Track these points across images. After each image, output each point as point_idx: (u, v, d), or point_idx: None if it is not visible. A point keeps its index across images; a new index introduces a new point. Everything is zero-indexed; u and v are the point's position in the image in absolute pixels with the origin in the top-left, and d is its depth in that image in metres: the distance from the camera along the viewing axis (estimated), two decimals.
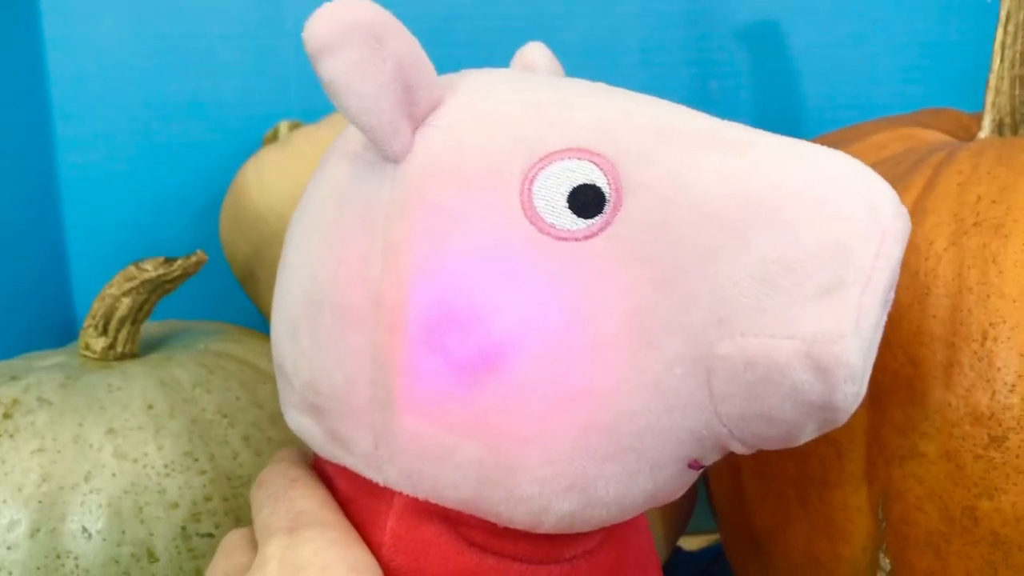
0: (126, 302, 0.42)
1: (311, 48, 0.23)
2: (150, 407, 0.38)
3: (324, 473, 0.30)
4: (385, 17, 0.24)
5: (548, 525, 0.26)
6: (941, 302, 0.32)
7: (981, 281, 0.32)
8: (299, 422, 0.29)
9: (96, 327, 0.42)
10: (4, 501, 0.35)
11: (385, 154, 0.26)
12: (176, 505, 0.36)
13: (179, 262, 0.42)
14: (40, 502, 0.35)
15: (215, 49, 0.54)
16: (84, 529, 0.35)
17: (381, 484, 0.27)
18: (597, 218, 0.24)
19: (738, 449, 0.26)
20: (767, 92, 0.61)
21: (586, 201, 0.24)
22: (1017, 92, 0.40)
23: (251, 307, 0.53)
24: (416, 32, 0.25)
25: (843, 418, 0.24)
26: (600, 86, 0.28)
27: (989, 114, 0.40)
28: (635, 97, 0.27)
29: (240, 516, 0.37)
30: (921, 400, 0.32)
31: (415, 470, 0.26)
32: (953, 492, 0.32)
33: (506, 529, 0.27)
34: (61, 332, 0.57)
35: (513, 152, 0.25)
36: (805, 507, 0.36)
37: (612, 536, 0.30)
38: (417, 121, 0.26)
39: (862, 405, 0.33)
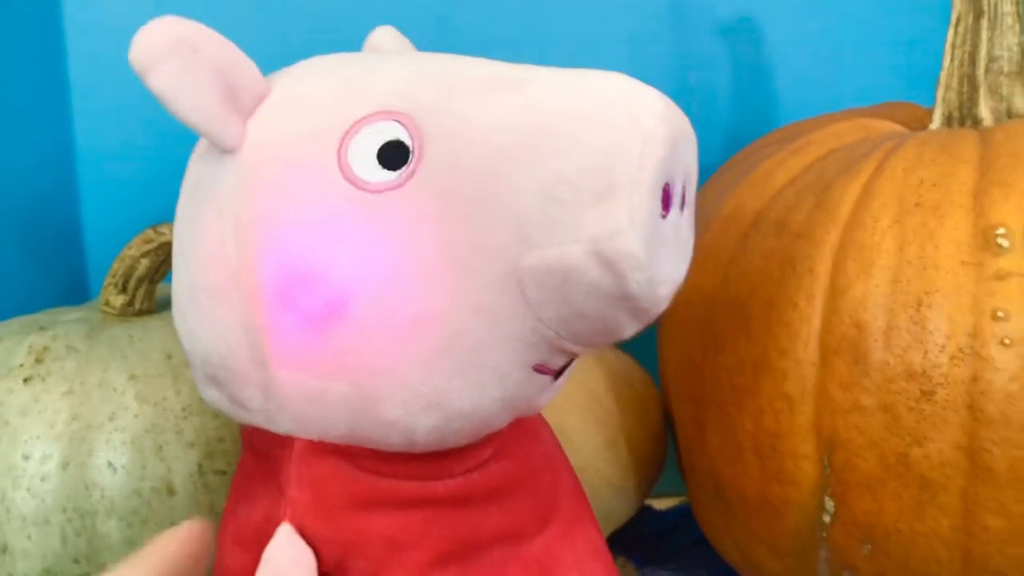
0: (144, 263, 0.46)
1: (136, 68, 0.27)
2: (169, 357, 0.42)
3: (246, 435, 0.34)
4: (197, 29, 0.28)
5: (421, 443, 0.29)
6: (884, 273, 0.36)
7: (919, 255, 0.36)
8: (208, 394, 0.32)
9: (116, 285, 0.46)
10: (38, 437, 0.39)
11: (222, 147, 0.29)
12: (193, 444, 0.40)
13: None
14: (70, 438, 0.39)
15: (230, 25, 0.58)
16: (110, 464, 0.39)
17: (281, 433, 0.31)
18: (404, 168, 0.27)
19: (573, 348, 0.29)
20: (744, 84, 0.65)
21: (394, 155, 0.28)
22: (965, 89, 0.44)
23: None
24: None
25: (650, 307, 0.27)
26: (414, 55, 0.32)
27: (939, 108, 0.44)
28: (438, 58, 0.30)
29: None
30: (863, 359, 0.36)
31: (300, 415, 0.30)
32: (889, 440, 0.36)
33: (393, 454, 0.30)
34: (75, 296, 0.60)
35: (328, 125, 0.29)
36: (760, 457, 0.40)
37: (505, 448, 0.33)
38: (246, 113, 0.29)
39: (813, 364, 0.37)
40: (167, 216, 0.61)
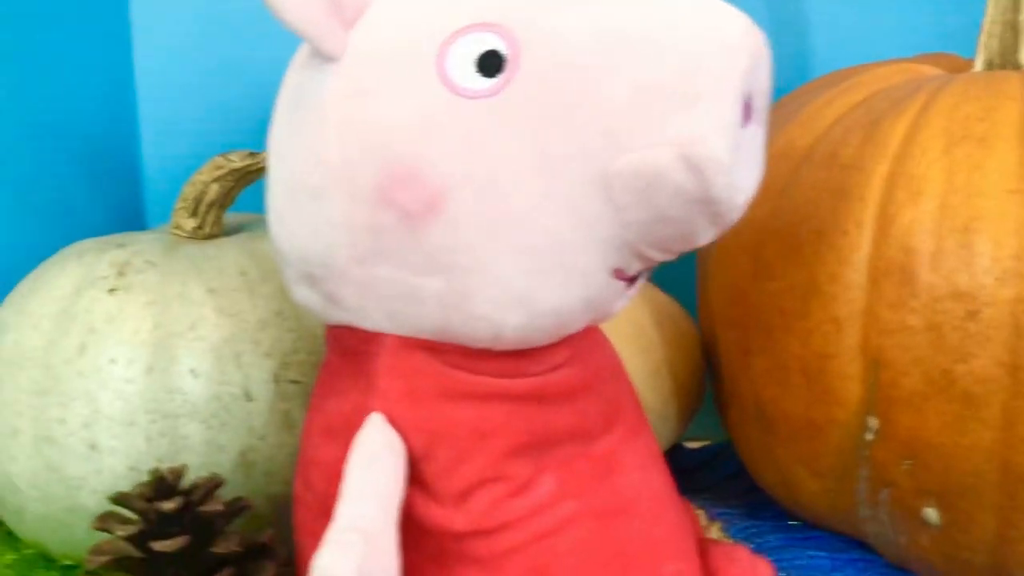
0: (215, 188, 0.48)
1: None
2: (243, 273, 0.44)
3: (330, 334, 0.35)
4: None
5: (507, 340, 0.31)
6: (932, 201, 0.38)
7: (966, 184, 0.38)
8: (301, 294, 0.34)
9: (187, 209, 0.48)
10: (123, 342, 0.41)
11: (324, 54, 0.31)
12: (269, 355, 0.42)
13: (262, 155, 0.48)
14: (154, 345, 0.41)
15: None
16: (191, 370, 0.41)
17: (372, 330, 0.33)
18: (500, 76, 0.29)
19: (651, 254, 0.31)
20: (781, 40, 0.67)
21: (490, 64, 0.29)
22: (1006, 36, 0.46)
23: None
24: None
25: (727, 212, 0.29)
26: None
27: (981, 54, 0.46)
28: None
29: None
30: (911, 281, 0.38)
31: (394, 312, 0.32)
32: (934, 358, 0.38)
33: (478, 350, 0.32)
34: (133, 226, 0.62)
35: (428, 34, 0.30)
36: (807, 378, 0.42)
37: (577, 354, 0.35)
38: (349, 24, 0.31)
39: (861, 287, 0.39)
40: (222, 148, 0.63)
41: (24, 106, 0.55)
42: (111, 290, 0.42)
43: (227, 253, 0.45)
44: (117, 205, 0.62)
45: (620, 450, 0.36)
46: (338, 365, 0.35)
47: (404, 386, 0.33)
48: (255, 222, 0.52)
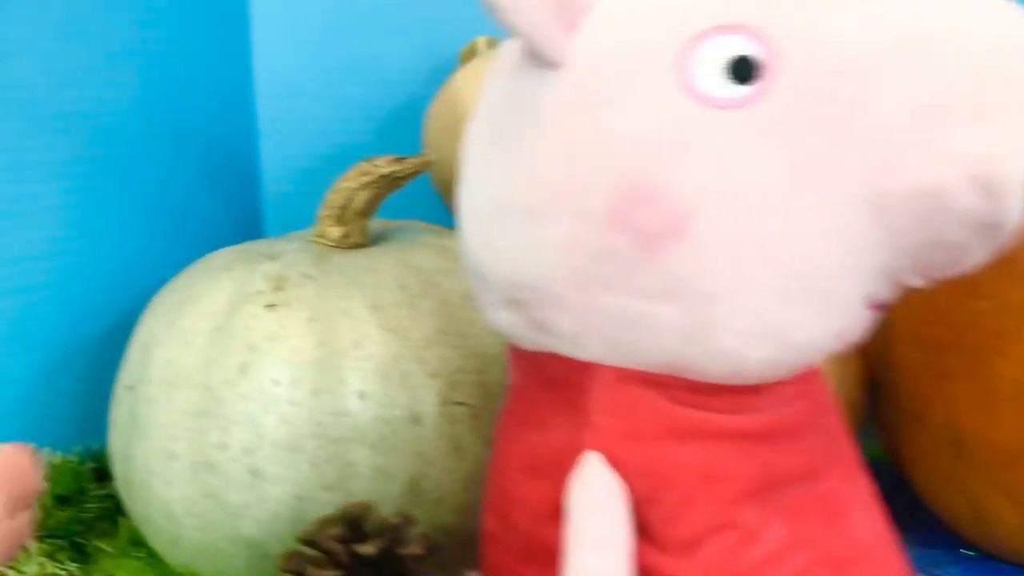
0: (362, 195, 0.45)
1: None
2: (403, 287, 0.41)
3: (525, 361, 0.33)
4: None
5: (748, 375, 0.28)
6: None
7: None
8: (502, 319, 0.31)
9: (333, 217, 0.45)
10: (288, 362, 0.38)
11: (546, 59, 0.28)
12: (436, 375, 0.39)
13: (410, 160, 0.45)
14: (319, 365, 0.38)
15: None
16: (358, 392, 0.38)
17: (585, 360, 0.30)
18: (755, 84, 0.26)
19: (912, 281, 0.28)
20: None
21: (742, 70, 0.26)
22: None
23: (433, 212, 0.56)
24: None
25: (1008, 236, 0.26)
26: None
27: None
28: None
29: (490, 391, 0.40)
30: None
31: (617, 341, 0.29)
32: None
33: (707, 384, 0.29)
34: (251, 232, 0.60)
35: (666, 37, 0.27)
36: (1021, 404, 0.38)
37: (804, 386, 0.32)
38: (572, 26, 0.28)
39: None
40: (344, 153, 0.60)
41: (144, 107, 0.53)
42: (269, 306, 0.40)
43: (384, 266, 0.42)
44: (236, 207, 0.60)
45: (842, 489, 0.33)
46: (538, 394, 0.33)
47: (623, 424, 0.30)
48: (395, 229, 0.49)
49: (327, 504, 0.38)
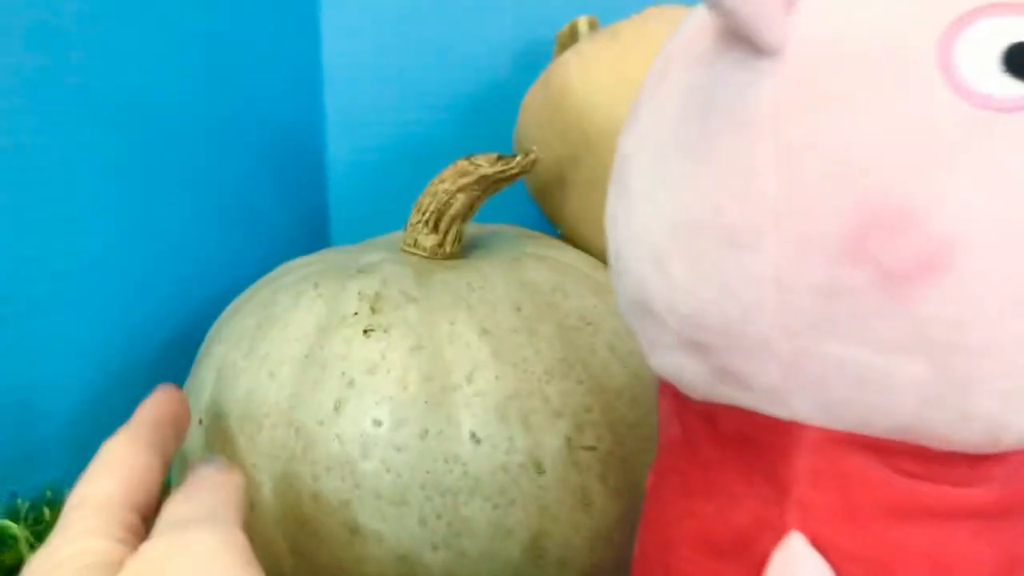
0: (461, 199, 0.39)
1: None
2: (518, 309, 0.35)
3: (690, 413, 0.27)
4: None
5: (1005, 443, 0.23)
6: None
7: None
8: (674, 364, 0.26)
9: (427, 223, 0.40)
10: (391, 398, 0.33)
11: (760, 45, 0.22)
12: (560, 414, 0.34)
13: (517, 159, 0.40)
14: (426, 402, 0.33)
15: None
16: (473, 434, 0.33)
17: (786, 419, 0.24)
18: None
19: None
20: None
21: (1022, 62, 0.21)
22: None
23: (516, 215, 0.50)
24: None
25: None
26: None
27: None
28: None
29: (618, 431, 0.35)
30: None
31: (837, 400, 0.23)
32: None
33: (943, 453, 0.24)
34: (317, 231, 0.55)
35: (918, 19, 0.22)
36: None
37: None
38: (791, 4, 0.23)
39: None
40: (421, 147, 0.54)
41: (206, 96, 0.47)
42: (367, 331, 0.34)
43: (493, 282, 0.36)
44: (301, 204, 0.54)
45: None
46: (709, 454, 0.27)
47: (836, 499, 0.24)
48: (489, 236, 0.44)
49: (435, 565, 0.32)
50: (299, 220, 0.54)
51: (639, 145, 0.26)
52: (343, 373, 0.33)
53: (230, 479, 0.28)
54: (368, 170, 0.55)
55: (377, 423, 0.33)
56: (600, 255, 0.43)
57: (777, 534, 0.25)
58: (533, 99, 0.46)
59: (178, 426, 0.31)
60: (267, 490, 0.33)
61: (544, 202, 0.47)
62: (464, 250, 0.41)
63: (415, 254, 0.40)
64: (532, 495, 0.33)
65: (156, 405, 0.31)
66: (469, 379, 0.33)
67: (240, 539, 0.25)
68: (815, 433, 0.24)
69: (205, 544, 0.25)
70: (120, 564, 0.24)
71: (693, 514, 0.27)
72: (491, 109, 0.52)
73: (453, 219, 0.40)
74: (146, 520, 0.28)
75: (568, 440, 0.33)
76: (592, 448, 0.34)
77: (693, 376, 0.26)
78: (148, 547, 0.25)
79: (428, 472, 0.32)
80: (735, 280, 0.23)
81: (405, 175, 0.55)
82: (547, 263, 0.39)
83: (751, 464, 0.26)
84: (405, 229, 0.41)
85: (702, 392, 0.26)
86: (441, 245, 0.40)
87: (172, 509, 0.27)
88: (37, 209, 0.41)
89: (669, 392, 0.29)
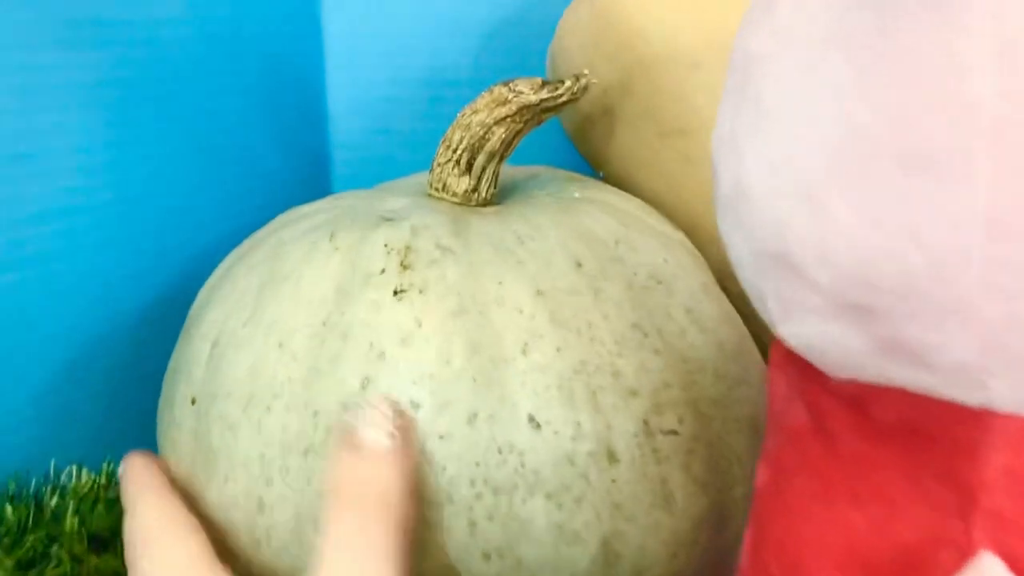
0: (498, 132, 0.33)
1: None
2: (579, 265, 0.29)
3: (829, 396, 0.22)
4: None
5: None
6: None
7: None
8: (820, 334, 0.20)
9: (458, 162, 0.33)
10: (431, 375, 0.27)
11: None
12: (635, 393, 0.28)
13: (566, 84, 0.33)
14: (474, 379, 0.27)
15: None
16: (531, 418, 0.27)
17: (976, 406, 0.19)
18: None
19: None
20: None
21: None
22: None
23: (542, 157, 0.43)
24: None
25: None
26: None
27: None
28: None
29: (701, 411, 0.29)
30: None
31: None
32: None
33: None
34: (317, 171, 0.48)
35: None
36: None
37: None
38: None
39: None
40: (430, 77, 0.48)
41: (194, 16, 0.40)
42: (398, 292, 0.28)
43: (546, 234, 0.30)
44: (299, 143, 0.47)
45: None
46: (857, 450, 0.21)
47: None
48: (527, 181, 0.37)
49: None
50: (296, 162, 0.47)
51: (779, 42, 0.20)
52: (371, 344, 0.27)
53: (400, 477, 0.25)
54: (374, 105, 0.48)
55: (415, 405, 0.26)
56: (652, 202, 0.37)
57: (960, 554, 0.19)
58: (575, 17, 0.39)
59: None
60: (279, 487, 0.27)
61: (584, 139, 0.41)
62: (498, 197, 0.35)
63: (444, 199, 0.33)
64: (603, 491, 0.27)
65: (143, 471, 0.30)
66: (524, 350, 0.27)
67: None
68: (1017, 425, 0.18)
69: None
70: None
71: (835, 525, 0.21)
72: (517, 32, 0.45)
73: (489, 157, 0.33)
74: None
75: (645, 424, 0.28)
76: (674, 432, 0.28)
77: (846, 350, 0.20)
78: None
79: (478, 465, 0.26)
80: (926, 221, 0.17)
81: (417, 111, 0.48)
82: (604, 210, 0.32)
83: (920, 463, 0.20)
84: (430, 170, 0.34)
85: (854, 370, 0.20)
86: (475, 189, 0.33)
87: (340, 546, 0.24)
88: (9, 164, 0.34)
89: (793, 369, 0.23)
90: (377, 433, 0.26)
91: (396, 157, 0.49)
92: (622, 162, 0.39)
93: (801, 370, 0.23)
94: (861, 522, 0.21)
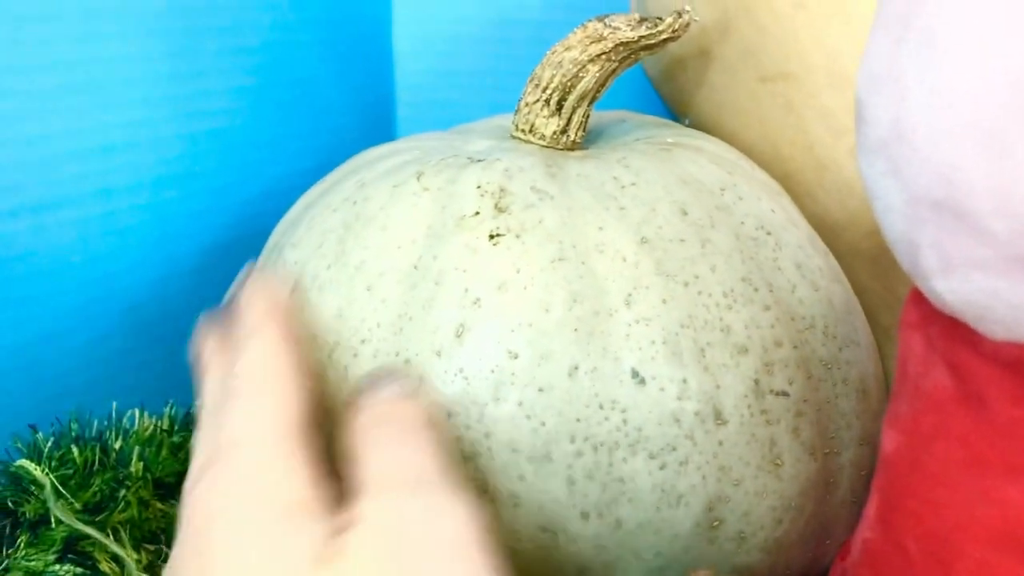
0: (592, 71, 0.31)
1: None
2: (684, 212, 0.27)
3: (979, 360, 0.20)
4: None
5: None
6: None
7: None
8: (984, 288, 0.18)
9: (547, 102, 0.31)
10: (530, 324, 0.25)
11: None
12: (745, 350, 0.26)
13: (667, 21, 0.31)
14: (576, 330, 0.25)
15: None
16: (635, 372, 0.25)
17: None
18: None
19: None
20: None
21: None
22: None
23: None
24: None
25: None
26: None
27: None
28: None
29: (812, 372, 0.27)
30: None
31: None
32: None
33: None
34: (383, 118, 0.46)
35: None
36: None
37: None
38: None
39: None
40: (499, 15, 0.46)
41: None
42: (493, 236, 0.26)
43: (649, 178, 0.28)
44: (363, 85, 0.45)
45: None
46: (1018, 417, 0.19)
47: None
48: (613, 126, 0.35)
49: (584, 537, 0.25)
50: (360, 103, 0.45)
51: None
52: (466, 290, 0.26)
53: (426, 413, 0.23)
54: (440, 44, 0.46)
55: (513, 355, 0.25)
56: (744, 152, 0.35)
57: None
58: None
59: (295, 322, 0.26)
60: None
61: (671, 83, 0.39)
62: (585, 142, 0.33)
63: (530, 142, 0.32)
64: (709, 452, 0.25)
65: (265, 299, 0.26)
66: (628, 302, 0.26)
67: (478, 511, 0.21)
68: None
69: (456, 519, 0.20)
70: (319, 510, 0.20)
71: (987, 498, 0.19)
72: None
73: (581, 97, 0.31)
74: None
75: (756, 383, 0.26)
76: (784, 394, 0.26)
77: (1015, 308, 0.18)
78: (389, 507, 0.20)
79: (578, 420, 0.25)
80: None
81: (485, 52, 0.46)
82: (705, 156, 0.31)
83: None
84: (516, 110, 0.32)
85: (1021, 331, 0.18)
86: (564, 131, 0.31)
87: (389, 456, 0.22)
88: (71, 95, 0.33)
89: (936, 329, 0.21)
90: (392, 387, 0.24)
91: (461, 101, 0.47)
92: (713, 108, 0.37)
93: (946, 330, 0.21)
94: (1018, 497, 0.19)
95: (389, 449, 0.22)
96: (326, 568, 0.19)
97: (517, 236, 0.26)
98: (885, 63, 0.19)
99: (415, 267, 0.26)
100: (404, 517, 0.20)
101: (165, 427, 0.35)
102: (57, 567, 0.29)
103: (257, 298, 0.26)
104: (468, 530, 0.20)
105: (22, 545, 0.29)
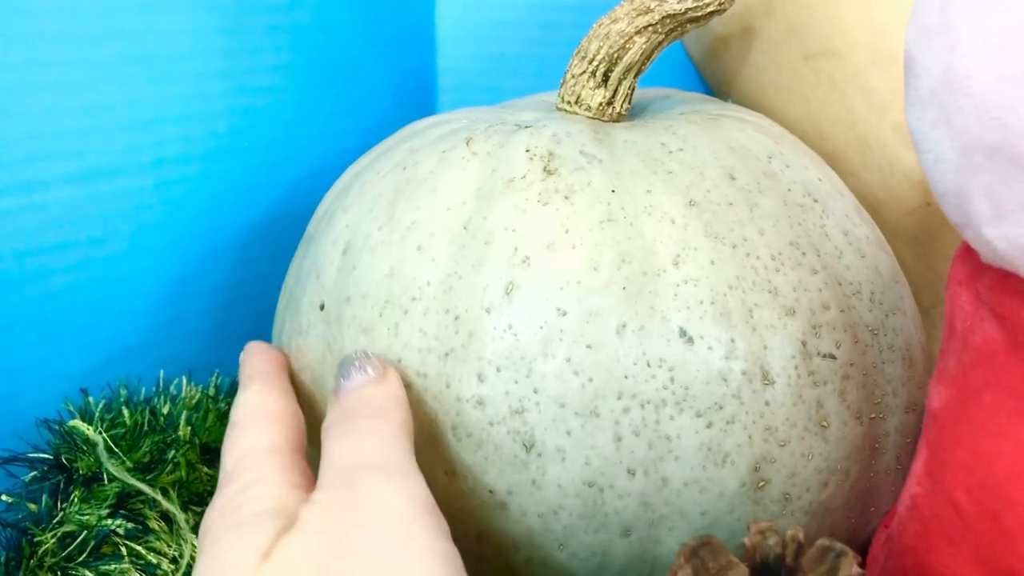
0: (639, 43, 0.31)
1: None
2: (732, 178, 0.28)
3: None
4: None
5: None
6: None
7: None
8: None
9: (593, 74, 0.32)
10: (578, 282, 0.25)
11: None
12: (792, 311, 0.26)
13: None
14: (624, 288, 0.25)
15: None
16: (683, 331, 0.25)
17: None
18: None
19: None
20: None
21: None
22: None
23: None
24: None
25: None
26: None
27: None
28: None
29: (859, 336, 0.27)
30: None
31: None
32: None
33: None
34: (424, 93, 0.47)
35: None
36: None
37: None
38: None
39: None
40: (542, 4, 0.46)
41: None
42: (543, 198, 0.27)
43: (695, 145, 0.29)
44: (406, 61, 0.46)
45: None
46: None
47: None
48: (658, 101, 0.35)
49: (629, 494, 0.25)
50: (402, 84, 0.46)
51: None
52: (515, 249, 0.26)
53: (391, 395, 0.25)
54: (483, 28, 0.47)
55: (561, 312, 0.25)
56: (788, 130, 0.35)
57: None
58: None
59: (287, 374, 0.30)
60: (416, 393, 0.26)
61: (714, 61, 0.39)
62: (630, 116, 0.33)
63: (576, 113, 0.32)
64: (756, 412, 0.25)
65: (260, 357, 0.30)
66: (676, 262, 0.26)
67: (423, 490, 0.23)
68: None
69: (387, 500, 0.22)
70: (294, 510, 0.22)
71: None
72: None
73: (627, 69, 0.32)
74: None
75: (803, 345, 0.26)
76: (831, 356, 0.26)
77: None
78: (325, 499, 0.22)
79: (626, 377, 0.25)
80: None
81: (528, 37, 0.47)
82: (751, 126, 0.31)
83: None
84: (562, 82, 0.33)
85: None
86: (610, 102, 0.32)
87: (340, 449, 0.24)
88: (128, 65, 0.34)
89: (984, 283, 0.21)
90: (364, 371, 0.25)
91: (503, 86, 0.47)
92: (756, 87, 0.37)
93: (996, 283, 0.21)
94: None
95: (339, 442, 0.24)
96: (268, 563, 0.21)
97: (566, 197, 0.27)
98: (936, 14, 0.20)
99: (464, 227, 0.27)
100: (335, 509, 0.22)
101: (211, 395, 0.36)
102: (109, 521, 0.30)
103: (255, 349, 0.30)
104: (405, 511, 0.22)
105: (76, 500, 0.30)
